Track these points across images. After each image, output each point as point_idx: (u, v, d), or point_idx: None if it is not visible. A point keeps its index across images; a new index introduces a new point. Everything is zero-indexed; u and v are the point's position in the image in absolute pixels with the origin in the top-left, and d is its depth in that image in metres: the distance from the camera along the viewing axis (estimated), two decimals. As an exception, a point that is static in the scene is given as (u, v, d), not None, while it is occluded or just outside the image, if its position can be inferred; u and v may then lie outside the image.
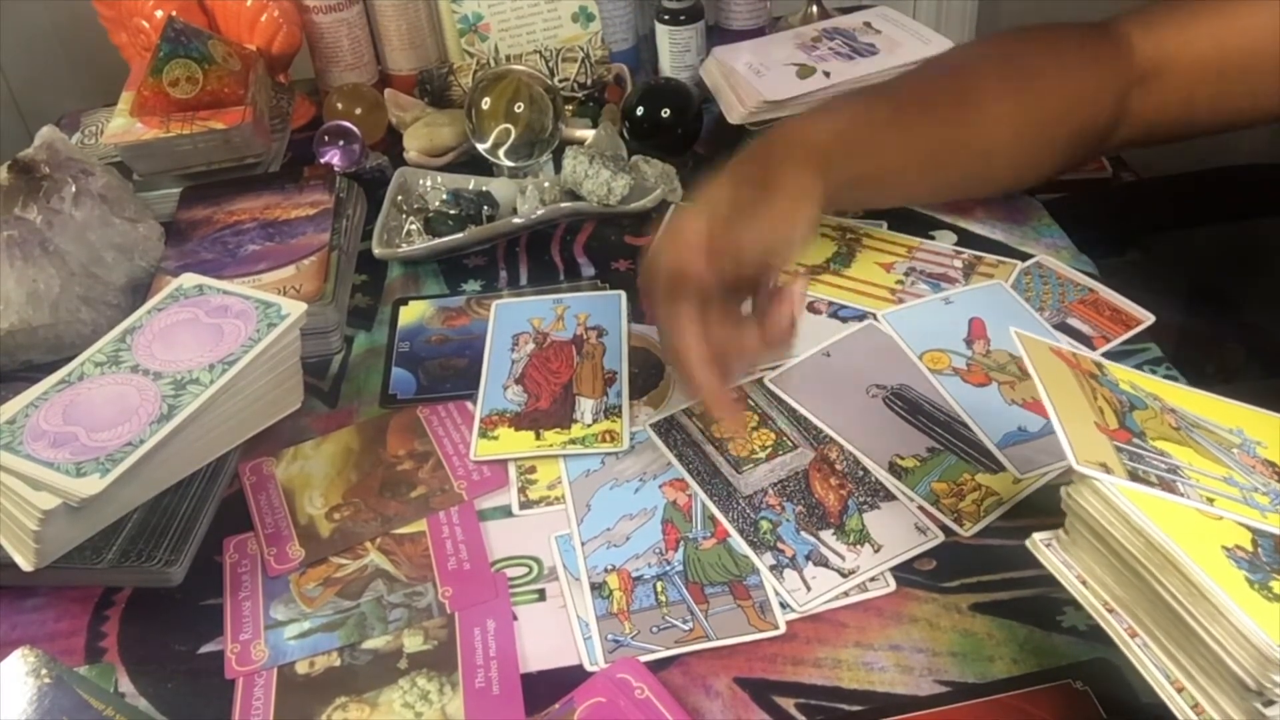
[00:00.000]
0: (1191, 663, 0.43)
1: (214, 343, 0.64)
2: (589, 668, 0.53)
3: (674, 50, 1.02)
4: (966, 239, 0.80)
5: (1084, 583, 0.47)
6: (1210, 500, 0.45)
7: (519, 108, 0.89)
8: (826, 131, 0.65)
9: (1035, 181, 0.80)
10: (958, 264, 0.77)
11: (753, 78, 0.88)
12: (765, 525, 0.60)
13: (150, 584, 0.60)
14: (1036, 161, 0.75)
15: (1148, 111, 0.73)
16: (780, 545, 0.58)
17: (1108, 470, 0.45)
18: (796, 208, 0.60)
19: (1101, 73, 0.72)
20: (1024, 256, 0.78)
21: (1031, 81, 0.71)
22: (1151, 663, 0.44)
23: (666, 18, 1.01)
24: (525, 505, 0.63)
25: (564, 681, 0.53)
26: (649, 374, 0.71)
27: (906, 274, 0.77)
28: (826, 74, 0.88)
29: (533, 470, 0.65)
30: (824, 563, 0.57)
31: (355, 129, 0.92)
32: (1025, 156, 0.74)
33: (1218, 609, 0.41)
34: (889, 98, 0.70)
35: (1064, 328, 0.71)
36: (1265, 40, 0.69)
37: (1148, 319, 0.71)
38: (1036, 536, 0.49)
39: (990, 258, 0.78)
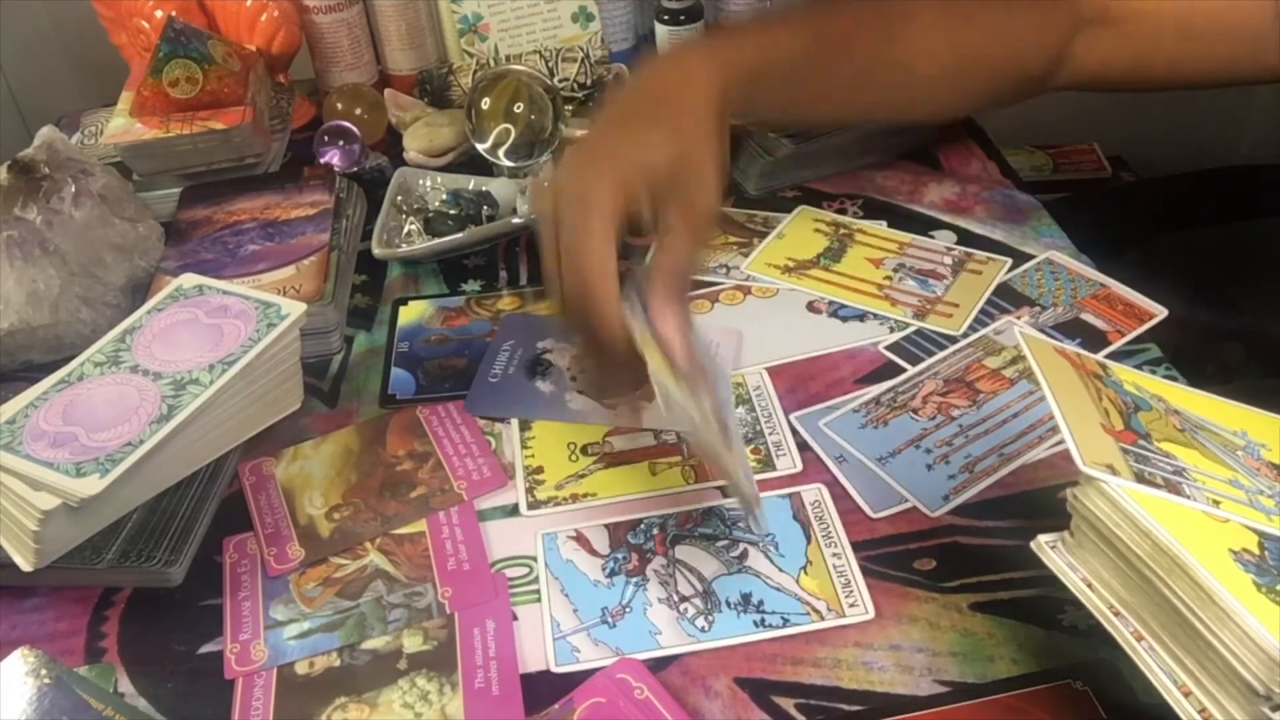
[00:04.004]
0: (1199, 666, 0.42)
1: (214, 343, 0.64)
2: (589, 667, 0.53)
3: (674, 50, 1.02)
4: (966, 238, 0.80)
5: (1089, 585, 0.46)
6: (1216, 502, 0.45)
7: (519, 108, 0.89)
8: (731, 66, 0.60)
9: (956, 115, 0.78)
10: (948, 260, 0.77)
11: (752, 78, 0.88)
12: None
13: (150, 584, 0.60)
14: (961, 97, 0.74)
15: (1093, 60, 0.71)
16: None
17: (1114, 472, 0.44)
18: (699, 126, 0.55)
19: (1046, 15, 0.70)
20: (1024, 256, 0.78)
21: (969, 19, 0.69)
22: (1158, 666, 0.43)
23: (666, 18, 1.01)
24: (534, 506, 0.63)
25: (564, 682, 0.53)
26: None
27: (895, 270, 0.77)
28: (826, 74, 0.88)
29: (540, 471, 0.65)
30: (824, 563, 0.57)
31: (355, 129, 0.92)
32: (949, 92, 0.72)
33: (1226, 613, 0.40)
34: (809, 24, 0.66)
35: (1077, 323, 0.71)
36: (1233, 9, 0.67)
37: (1160, 312, 0.71)
38: (1042, 539, 0.48)
39: (980, 254, 0.78)
